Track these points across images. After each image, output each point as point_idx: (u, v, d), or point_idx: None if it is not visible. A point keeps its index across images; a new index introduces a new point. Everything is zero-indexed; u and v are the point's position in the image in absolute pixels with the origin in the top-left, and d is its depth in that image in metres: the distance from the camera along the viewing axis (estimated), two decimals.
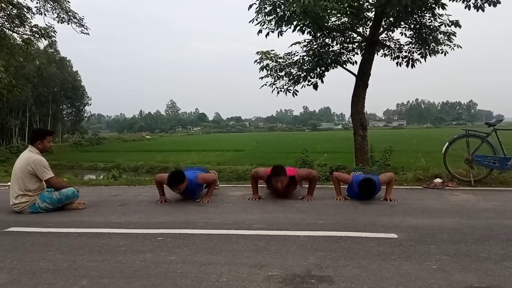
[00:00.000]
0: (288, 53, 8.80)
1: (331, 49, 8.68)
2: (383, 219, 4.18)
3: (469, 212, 4.49)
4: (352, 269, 2.72)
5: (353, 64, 8.97)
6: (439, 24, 7.89)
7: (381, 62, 10.55)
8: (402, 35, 8.44)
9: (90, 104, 60.75)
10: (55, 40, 50.12)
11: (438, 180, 6.35)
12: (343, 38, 8.75)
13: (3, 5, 15.01)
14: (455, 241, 3.36)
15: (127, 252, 3.17)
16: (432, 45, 8.07)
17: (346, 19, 8.18)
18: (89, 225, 4.08)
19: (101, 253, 3.16)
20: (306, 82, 8.84)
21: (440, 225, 3.87)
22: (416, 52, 8.52)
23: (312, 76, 8.78)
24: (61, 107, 54.41)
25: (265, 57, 8.61)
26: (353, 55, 9.01)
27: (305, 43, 8.60)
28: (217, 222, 4.15)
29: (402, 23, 8.06)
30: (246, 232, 3.71)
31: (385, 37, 8.83)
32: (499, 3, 7.20)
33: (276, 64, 8.75)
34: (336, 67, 8.89)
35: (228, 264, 2.86)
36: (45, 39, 17.02)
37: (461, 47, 8.11)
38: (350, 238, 3.47)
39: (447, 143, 6.52)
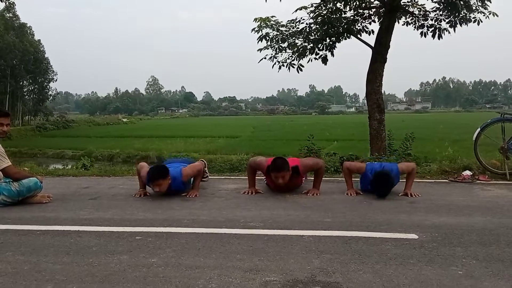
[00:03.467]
0: (292, 20, 8.75)
1: (343, 15, 8.62)
2: (401, 217, 4.22)
3: (503, 209, 4.54)
4: (364, 274, 2.75)
5: (369, 34, 8.94)
6: None
7: (402, 32, 10.54)
8: None
9: (56, 80, 60.45)
10: (14, 3, 49.74)
11: (467, 172, 6.39)
12: (357, 3, 8.68)
13: None
14: (486, 243, 3.40)
15: (99, 253, 3.19)
16: (463, 12, 8.04)
17: None
18: (54, 222, 4.10)
19: (68, 254, 3.18)
20: (313, 55, 8.82)
21: (468, 225, 3.91)
22: (444, 21, 8.48)
23: (321, 48, 8.75)
24: (21, 83, 54.05)
25: (264, 25, 8.56)
26: (370, 23, 8.98)
27: (313, 8, 8.53)
28: (206, 219, 4.18)
29: None
30: (240, 231, 3.73)
31: (408, 2, 8.78)
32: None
33: (278, 33, 8.70)
34: (349, 38, 8.85)
35: (218, 267, 2.88)
36: (1, 1, 16.85)
37: (497, 15, 8.07)
38: (362, 238, 3.50)
39: (479, 129, 6.55)
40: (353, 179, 5.49)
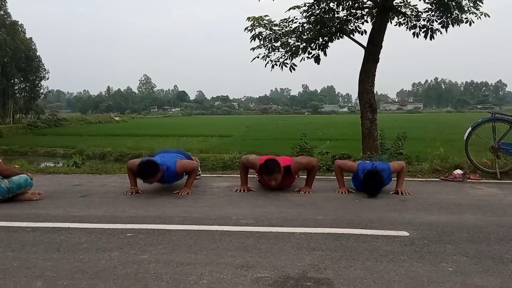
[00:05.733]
0: (285, 19, 8.76)
1: (336, 15, 8.64)
2: (392, 214, 4.24)
3: (493, 208, 4.56)
4: (355, 271, 2.75)
5: (362, 34, 8.97)
6: None
7: (394, 33, 10.59)
8: (420, 0, 8.44)
9: (48, 79, 60.03)
10: (5, 0, 49.44)
11: (458, 171, 6.42)
12: (350, 3, 8.71)
13: None
14: (476, 240, 3.42)
15: (90, 250, 3.17)
16: (455, 13, 8.09)
17: None
18: (45, 219, 4.07)
19: (59, 251, 3.16)
20: (306, 55, 8.83)
21: (459, 222, 3.93)
22: (436, 21, 8.53)
23: (313, 47, 8.76)
24: (12, 81, 53.66)
25: (257, 24, 8.57)
26: (362, 23, 9.01)
27: (306, 8, 8.55)
28: (197, 216, 4.17)
29: None
30: (232, 229, 3.73)
31: (400, 2, 8.82)
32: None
33: (271, 32, 8.71)
34: (341, 37, 8.88)
35: (210, 264, 2.88)
36: None
37: (489, 16, 8.13)
38: (353, 235, 3.51)
39: (470, 128, 6.58)
40: (345, 177, 5.51)
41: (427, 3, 8.41)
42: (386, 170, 5.21)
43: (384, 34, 8.37)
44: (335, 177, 5.60)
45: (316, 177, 5.55)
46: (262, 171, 5.19)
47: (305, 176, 5.53)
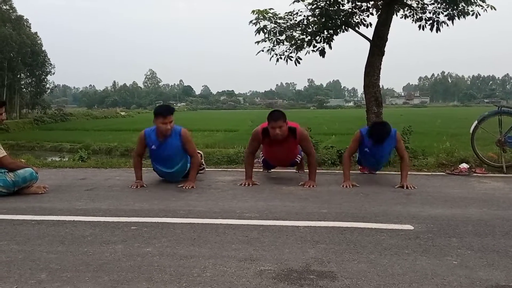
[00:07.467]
0: (290, 12, 8.71)
1: (341, 8, 8.58)
2: (397, 208, 4.22)
3: (499, 201, 4.54)
4: (359, 264, 2.75)
5: (367, 27, 8.89)
6: None
7: (400, 27, 10.53)
8: None
9: (54, 73, 60.40)
10: None
11: (464, 165, 6.39)
12: None
13: None
14: (481, 234, 3.40)
15: (94, 243, 3.18)
16: (462, 5, 8.00)
17: None
18: (50, 212, 4.09)
19: (63, 244, 3.17)
20: (311, 48, 8.79)
21: (464, 216, 3.92)
22: (442, 13, 8.44)
23: (318, 41, 8.71)
24: (18, 76, 53.91)
25: (262, 17, 8.52)
26: (368, 16, 8.92)
27: (310, 0, 8.50)
28: (202, 210, 4.18)
29: None
30: (236, 222, 3.73)
31: None
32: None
33: (276, 25, 8.66)
34: (347, 30, 8.82)
35: (213, 257, 2.88)
36: None
37: (495, 9, 8.04)
38: (357, 229, 3.50)
39: (476, 122, 6.55)
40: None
41: None
42: (392, 132, 5.34)
43: (389, 27, 8.31)
44: (340, 171, 5.61)
45: (321, 171, 5.57)
46: (268, 120, 5.23)
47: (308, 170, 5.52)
